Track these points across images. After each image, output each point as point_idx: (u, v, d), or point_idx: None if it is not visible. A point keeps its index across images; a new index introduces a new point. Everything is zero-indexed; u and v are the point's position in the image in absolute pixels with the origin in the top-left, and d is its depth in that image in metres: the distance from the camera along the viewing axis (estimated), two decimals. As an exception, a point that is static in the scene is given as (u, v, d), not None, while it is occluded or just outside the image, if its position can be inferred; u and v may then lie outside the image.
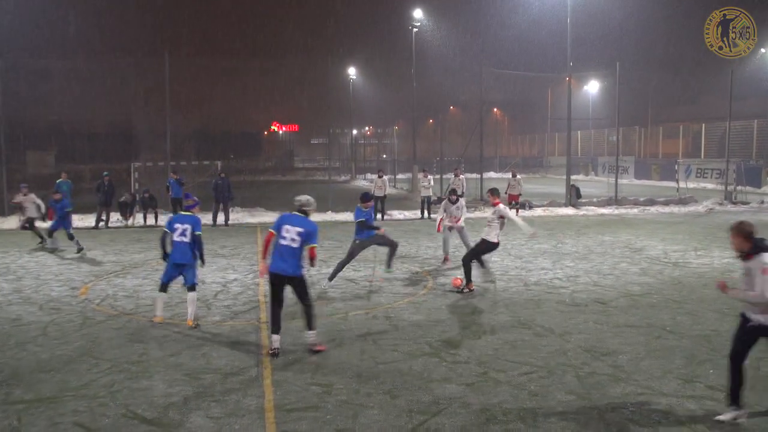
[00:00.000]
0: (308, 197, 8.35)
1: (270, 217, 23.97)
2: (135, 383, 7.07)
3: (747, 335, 5.97)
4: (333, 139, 56.92)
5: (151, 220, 22.69)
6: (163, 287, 9.61)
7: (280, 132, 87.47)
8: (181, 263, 9.41)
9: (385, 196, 23.99)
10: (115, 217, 22.67)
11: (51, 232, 16.72)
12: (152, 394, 6.77)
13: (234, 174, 34.40)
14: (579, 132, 56.09)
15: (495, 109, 69.21)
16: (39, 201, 18.15)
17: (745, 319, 5.99)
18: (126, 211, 22.43)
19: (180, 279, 9.56)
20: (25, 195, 18.17)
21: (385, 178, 24.98)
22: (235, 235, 19.67)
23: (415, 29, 34.81)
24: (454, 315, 10.04)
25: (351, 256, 12.18)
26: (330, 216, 24.63)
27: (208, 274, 13.24)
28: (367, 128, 79.86)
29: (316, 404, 6.47)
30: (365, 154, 72.15)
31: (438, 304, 10.69)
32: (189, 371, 7.43)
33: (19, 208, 19.02)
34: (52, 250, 16.44)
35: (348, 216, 24.53)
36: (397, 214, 25.26)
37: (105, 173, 22.82)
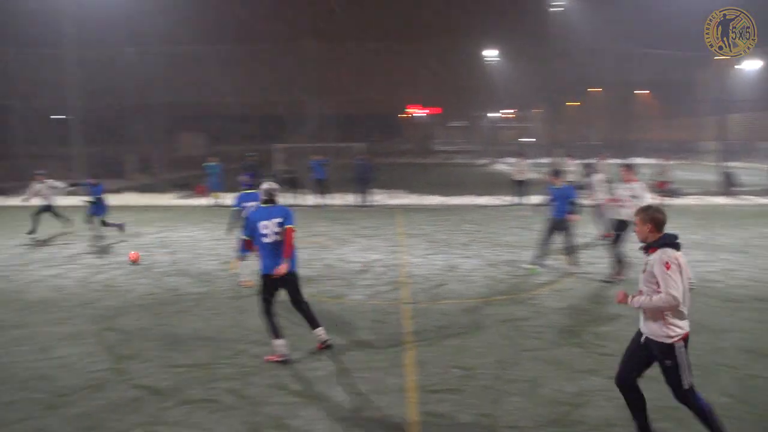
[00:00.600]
0: (275, 184, 7.60)
1: (410, 199, 24.22)
2: (283, 356, 7.32)
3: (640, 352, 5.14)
4: (473, 122, 56.45)
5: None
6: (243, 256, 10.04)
7: (419, 115, 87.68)
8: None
9: (525, 181, 23.47)
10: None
11: (95, 219, 14.92)
12: (298, 367, 6.99)
13: (374, 156, 34.92)
14: (735, 115, 52.48)
15: (642, 91, 66.11)
16: (57, 183, 16.46)
17: (639, 334, 5.16)
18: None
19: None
20: (42, 182, 16.02)
21: (526, 162, 24.43)
22: (376, 217, 19.97)
23: (557, 9, 33.74)
24: (600, 305, 9.68)
25: (547, 235, 11.72)
26: (471, 199, 24.49)
27: (350, 254, 13.55)
28: (507, 111, 78.59)
29: (458, 387, 6.44)
30: (505, 137, 71.02)
31: (583, 293, 10.35)
32: (333, 347, 7.60)
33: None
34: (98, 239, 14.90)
35: (488, 200, 24.31)
36: (534, 199, 24.72)
37: (249, 154, 23.79)
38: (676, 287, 4.78)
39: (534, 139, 55.33)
